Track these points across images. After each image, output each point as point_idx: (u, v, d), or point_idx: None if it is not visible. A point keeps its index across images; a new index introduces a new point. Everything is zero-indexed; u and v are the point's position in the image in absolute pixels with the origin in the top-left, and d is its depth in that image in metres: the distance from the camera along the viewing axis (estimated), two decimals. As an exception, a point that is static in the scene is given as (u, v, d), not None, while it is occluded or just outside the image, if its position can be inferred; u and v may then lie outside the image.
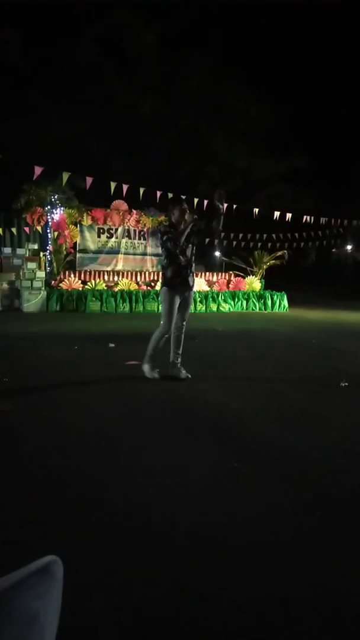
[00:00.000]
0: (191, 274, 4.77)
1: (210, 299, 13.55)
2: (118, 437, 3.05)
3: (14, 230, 15.11)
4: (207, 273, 15.40)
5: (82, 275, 13.28)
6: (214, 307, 13.54)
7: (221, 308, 13.62)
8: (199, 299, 13.34)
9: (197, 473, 2.53)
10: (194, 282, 4.83)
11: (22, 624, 0.59)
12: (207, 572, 1.70)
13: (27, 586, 0.59)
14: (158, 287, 13.62)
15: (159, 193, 12.53)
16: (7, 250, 13.65)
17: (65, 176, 10.75)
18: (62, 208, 13.51)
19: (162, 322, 4.73)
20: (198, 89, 17.84)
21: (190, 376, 4.79)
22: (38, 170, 9.90)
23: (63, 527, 1.96)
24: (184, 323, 4.84)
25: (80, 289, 12.60)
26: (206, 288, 14.28)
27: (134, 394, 4.22)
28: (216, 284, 14.74)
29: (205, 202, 13.69)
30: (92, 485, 2.36)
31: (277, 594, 1.60)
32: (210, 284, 14.65)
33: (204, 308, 13.35)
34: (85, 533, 1.93)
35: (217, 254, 19.50)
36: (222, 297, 13.77)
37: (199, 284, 14.25)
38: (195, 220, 4.75)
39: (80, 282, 12.85)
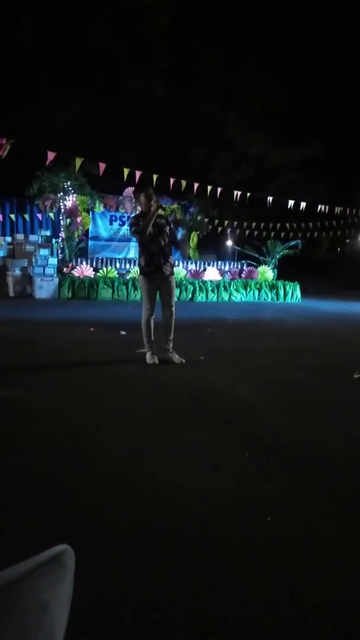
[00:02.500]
0: (166, 262, 4.78)
1: (222, 288, 13.48)
2: (129, 424, 3.04)
3: (26, 216, 15.14)
4: (219, 262, 15.31)
5: (94, 263, 13.27)
6: (225, 296, 13.47)
7: (233, 297, 13.54)
8: (210, 288, 13.28)
9: (207, 462, 2.52)
10: (171, 269, 4.83)
11: (33, 614, 0.58)
12: (215, 561, 1.69)
13: (38, 575, 0.58)
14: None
15: (172, 180, 12.42)
16: (20, 236, 13.70)
17: (79, 162, 10.70)
18: (74, 195, 13.48)
19: (142, 309, 4.90)
20: (212, 74, 17.60)
21: (184, 361, 4.87)
22: (51, 155, 9.86)
23: (73, 512, 1.97)
24: (172, 310, 4.88)
25: (92, 276, 12.60)
26: (218, 277, 14.20)
27: (145, 381, 4.21)
28: (228, 273, 14.64)
29: (219, 189, 13.55)
30: (102, 471, 2.36)
31: (287, 586, 1.58)
32: (222, 273, 14.57)
33: (215, 297, 13.29)
34: (95, 518, 1.93)
35: (229, 243, 19.35)
36: (234, 287, 13.69)
37: (211, 273, 14.17)
38: (160, 207, 4.75)
39: (92, 269, 12.85)
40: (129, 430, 2.95)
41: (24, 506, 2.01)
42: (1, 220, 14.82)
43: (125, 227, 15.34)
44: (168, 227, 4.87)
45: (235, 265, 15.24)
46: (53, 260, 12.05)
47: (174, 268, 5.00)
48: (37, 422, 3.05)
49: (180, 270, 13.78)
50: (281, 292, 14.19)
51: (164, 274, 4.78)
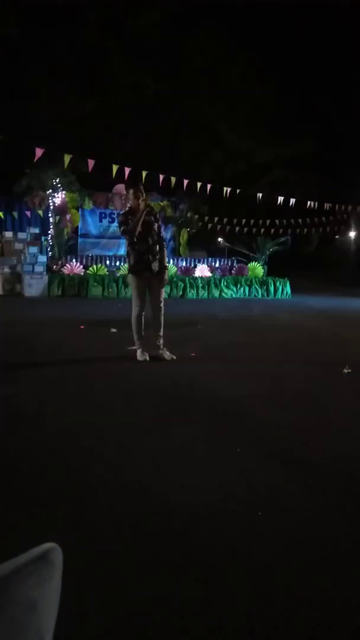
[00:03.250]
0: (155, 259, 4.75)
1: (213, 285, 13.49)
2: (120, 422, 3.03)
3: (15, 214, 15.00)
4: (210, 259, 15.31)
5: (84, 260, 13.21)
6: (216, 293, 13.48)
7: (223, 294, 13.56)
8: (200, 285, 13.28)
9: (199, 458, 2.52)
10: (161, 266, 4.81)
11: (20, 613, 0.57)
12: (208, 556, 1.69)
13: (25, 574, 0.57)
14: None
15: (161, 177, 12.39)
16: (9, 234, 13.58)
17: (67, 159, 10.62)
18: (63, 192, 13.38)
19: (132, 306, 4.91)
20: (202, 70, 17.56)
21: (175, 357, 4.87)
22: (39, 152, 9.78)
23: (64, 511, 1.95)
24: (161, 306, 4.88)
25: (82, 274, 12.54)
26: (208, 274, 14.21)
27: (136, 378, 4.20)
28: (219, 269, 14.66)
29: (209, 186, 13.54)
30: (94, 469, 2.35)
31: (281, 581, 1.59)
32: (212, 269, 14.58)
33: (206, 294, 13.30)
34: (87, 517, 1.92)
35: (220, 239, 19.37)
36: (225, 283, 13.71)
37: (202, 269, 14.18)
38: (148, 207, 4.74)
39: (81, 267, 12.78)
40: (120, 427, 2.93)
41: (15, 505, 1.99)
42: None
43: (115, 224, 15.26)
44: (156, 225, 4.83)
45: (226, 262, 15.26)
46: (42, 258, 11.98)
47: (168, 264, 5.01)
48: (28, 421, 3.03)
49: (170, 267, 13.78)
50: (271, 289, 14.25)
51: (153, 271, 4.76)
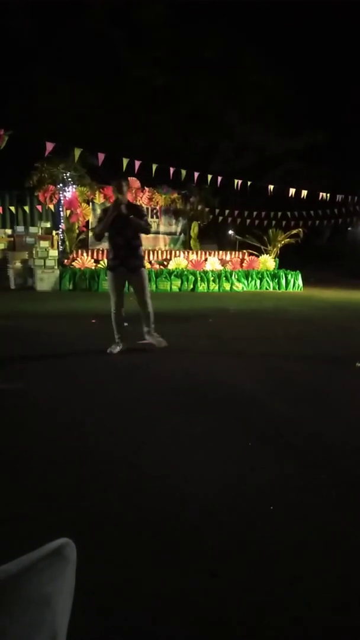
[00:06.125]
0: (133, 255, 4.62)
1: (224, 278, 13.44)
2: (130, 415, 3.05)
3: (26, 208, 15.06)
4: (220, 252, 15.25)
5: (95, 254, 13.23)
6: (227, 286, 13.43)
7: (234, 287, 13.51)
8: (211, 278, 13.24)
9: (209, 452, 2.53)
10: (139, 262, 4.70)
11: (35, 608, 0.58)
12: (218, 549, 1.70)
13: (39, 569, 0.58)
14: (170, 266, 13.54)
15: (172, 170, 12.33)
16: (20, 228, 13.64)
17: (77, 152, 10.62)
18: (74, 186, 13.40)
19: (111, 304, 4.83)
20: (212, 62, 17.38)
21: (166, 344, 4.92)
22: (50, 146, 9.79)
23: (77, 504, 1.98)
24: (146, 300, 4.79)
25: (93, 267, 12.57)
26: (219, 267, 14.15)
27: (147, 372, 4.21)
28: (229, 263, 14.59)
29: (220, 178, 13.45)
30: (105, 462, 2.37)
31: (289, 573, 1.59)
32: (223, 262, 14.52)
33: (217, 287, 13.26)
34: (99, 510, 1.94)
35: (231, 232, 19.26)
36: (236, 276, 13.65)
37: (212, 262, 14.13)
38: (119, 206, 4.49)
39: (92, 260, 12.81)
40: (131, 421, 2.95)
41: (27, 498, 2.02)
42: (1, 212, 14.75)
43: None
44: (137, 216, 4.60)
45: (237, 255, 15.17)
46: (53, 252, 12.02)
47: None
48: (39, 415, 3.06)
49: (181, 261, 13.74)
50: (283, 282, 14.15)
51: (129, 267, 4.64)
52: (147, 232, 4.76)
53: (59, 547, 0.59)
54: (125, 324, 6.72)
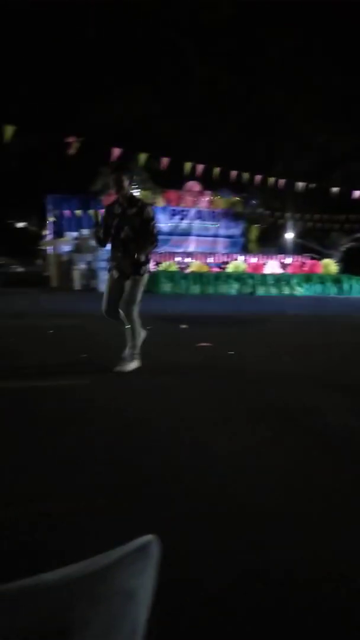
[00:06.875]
0: (128, 259, 3.95)
1: (283, 282, 13.21)
2: (184, 419, 3.06)
3: (91, 212, 15.60)
4: (281, 255, 15.00)
5: (155, 257, 13.47)
6: (286, 290, 13.19)
7: (294, 291, 13.23)
8: (271, 282, 13.06)
9: (265, 459, 2.49)
10: (136, 268, 3.98)
11: (119, 602, 0.60)
12: (294, 551, 1.67)
13: (126, 564, 0.60)
14: (228, 269, 13.50)
15: (234, 173, 12.30)
16: (85, 231, 14.14)
17: (143, 157, 10.86)
18: (137, 190, 13.71)
19: None
20: (277, 62, 17.15)
21: (129, 370, 4.08)
22: (116, 151, 10.07)
23: (139, 501, 2.01)
24: (128, 309, 4.06)
25: (153, 270, 12.80)
26: (279, 270, 13.92)
27: (204, 375, 4.22)
28: (289, 266, 14.32)
29: (282, 181, 13.24)
30: (166, 461, 2.39)
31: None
32: (283, 266, 14.27)
33: (276, 291, 13.05)
34: (161, 508, 1.96)
35: (291, 235, 18.89)
36: (296, 281, 13.37)
37: (272, 266, 13.92)
38: (131, 196, 4.01)
39: (153, 263, 13.05)
40: (186, 424, 2.97)
41: (90, 491, 2.08)
42: (69, 216, 15.39)
43: (185, 221, 15.41)
44: (138, 219, 3.96)
45: (297, 259, 14.87)
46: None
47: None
48: (100, 411, 3.15)
49: (240, 264, 13.66)
50: (346, 287, 13.68)
51: (123, 272, 4.01)
52: (152, 243, 4.02)
53: (145, 544, 0.62)
54: (184, 326, 6.80)
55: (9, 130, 9.04)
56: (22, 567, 1.51)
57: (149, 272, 4.17)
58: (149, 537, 0.61)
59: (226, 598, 1.41)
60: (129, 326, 4.15)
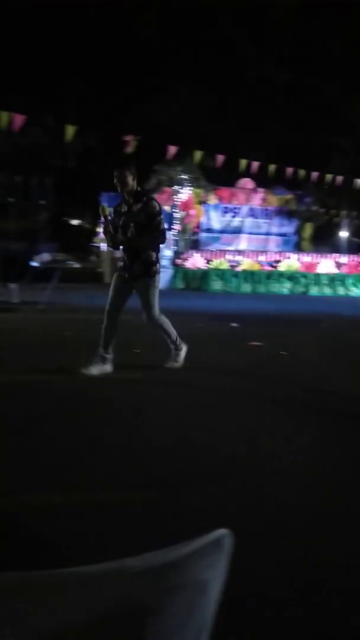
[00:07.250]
0: (136, 259, 3.82)
1: (338, 282, 12.82)
2: (235, 419, 3.06)
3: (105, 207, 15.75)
4: (335, 254, 14.56)
5: (206, 254, 13.46)
6: (341, 290, 12.80)
7: (350, 292, 12.81)
8: (325, 282, 12.72)
9: (313, 461, 2.44)
10: (145, 269, 3.84)
11: (193, 592, 0.62)
12: (339, 564, 1.65)
13: (201, 556, 0.62)
14: (280, 267, 13.26)
15: (289, 170, 12.05)
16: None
17: (197, 155, 10.87)
18: (190, 187, 13.76)
19: None
20: (335, 56, 16.62)
21: (179, 366, 4.07)
22: (172, 149, 10.14)
23: (187, 493, 2.04)
24: (153, 314, 4.00)
25: (205, 268, 12.80)
26: (334, 270, 13.52)
27: (256, 375, 4.18)
28: (345, 266, 13.87)
29: (338, 178, 12.85)
30: (209, 458, 2.41)
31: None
32: (338, 266, 13.85)
33: (330, 291, 12.70)
34: (207, 502, 1.98)
35: (346, 233, 18.30)
36: (351, 281, 12.94)
37: (326, 265, 13.54)
38: (138, 193, 3.83)
39: (205, 261, 13.05)
40: (235, 424, 2.96)
41: (146, 484, 2.13)
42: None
43: (237, 219, 15.29)
44: (144, 214, 3.76)
45: (353, 258, 14.37)
46: (168, 252, 12.47)
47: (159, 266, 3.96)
48: (154, 405, 3.21)
49: (292, 262, 13.39)
50: None
51: (131, 273, 3.87)
52: (158, 238, 3.88)
53: (219, 538, 0.63)
54: (234, 324, 6.75)
55: (70, 131, 9.33)
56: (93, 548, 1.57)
57: (159, 272, 4.03)
58: (223, 531, 0.62)
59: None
60: (161, 328, 4.08)
